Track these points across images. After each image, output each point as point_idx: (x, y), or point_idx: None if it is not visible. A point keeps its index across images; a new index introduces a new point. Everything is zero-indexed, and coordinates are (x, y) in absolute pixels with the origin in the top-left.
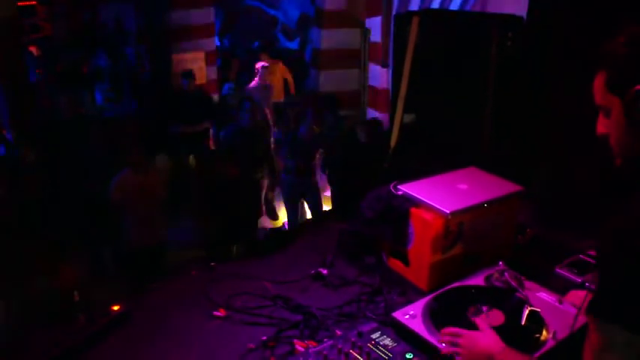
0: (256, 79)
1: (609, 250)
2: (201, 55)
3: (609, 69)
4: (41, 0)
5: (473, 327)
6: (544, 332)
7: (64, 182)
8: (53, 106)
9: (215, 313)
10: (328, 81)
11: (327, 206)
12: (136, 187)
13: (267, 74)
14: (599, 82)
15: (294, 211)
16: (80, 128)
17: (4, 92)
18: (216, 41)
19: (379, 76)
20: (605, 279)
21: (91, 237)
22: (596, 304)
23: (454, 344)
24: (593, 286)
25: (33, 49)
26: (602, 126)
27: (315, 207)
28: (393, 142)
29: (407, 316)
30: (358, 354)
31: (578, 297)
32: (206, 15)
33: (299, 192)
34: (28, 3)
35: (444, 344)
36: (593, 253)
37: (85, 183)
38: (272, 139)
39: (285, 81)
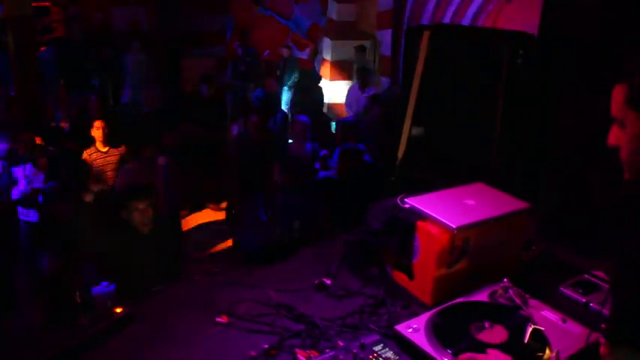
0: None
1: (625, 275)
2: (212, 62)
3: (631, 84)
4: (55, 1)
5: (476, 343)
6: (547, 351)
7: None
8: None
9: (217, 319)
10: (337, 92)
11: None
12: (140, 179)
13: None
14: (619, 95)
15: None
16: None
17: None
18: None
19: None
20: (619, 304)
21: None
22: (611, 327)
23: None
24: (597, 307)
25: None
26: (614, 137)
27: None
28: (400, 154)
29: (410, 330)
30: None
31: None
32: (218, 22)
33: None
34: (42, 4)
35: None
36: (598, 273)
37: None
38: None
39: None
